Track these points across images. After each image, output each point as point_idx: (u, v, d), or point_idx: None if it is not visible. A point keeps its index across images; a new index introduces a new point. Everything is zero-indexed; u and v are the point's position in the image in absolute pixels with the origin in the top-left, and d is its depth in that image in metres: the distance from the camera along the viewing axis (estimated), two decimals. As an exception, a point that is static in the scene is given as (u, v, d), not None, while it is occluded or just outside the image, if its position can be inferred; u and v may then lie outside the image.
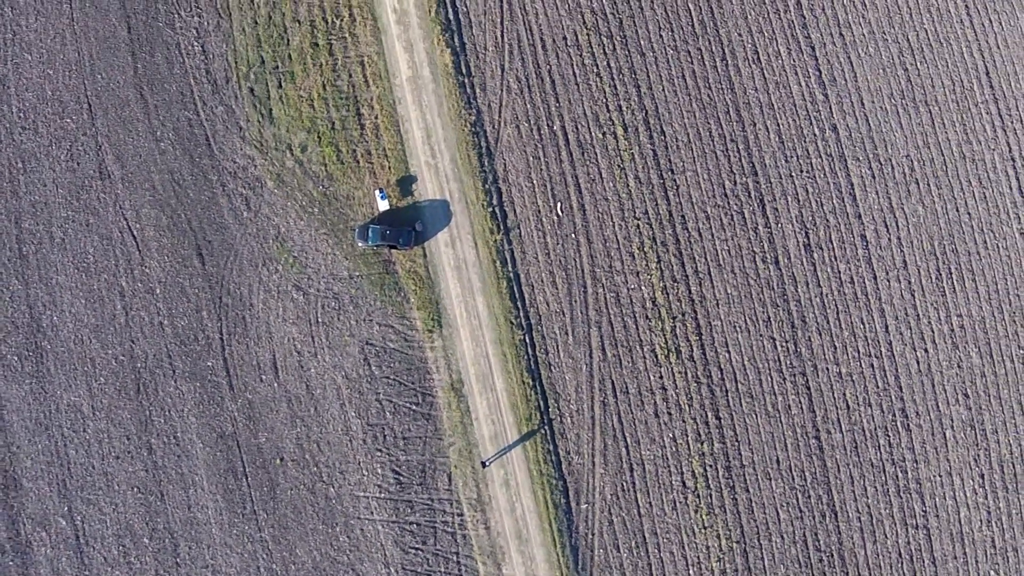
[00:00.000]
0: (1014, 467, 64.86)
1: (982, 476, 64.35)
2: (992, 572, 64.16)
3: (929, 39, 67.77)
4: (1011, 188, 67.22)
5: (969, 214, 66.06)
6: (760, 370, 61.38)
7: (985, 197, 66.62)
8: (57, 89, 63.33)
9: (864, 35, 66.51)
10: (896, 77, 66.37)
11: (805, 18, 65.76)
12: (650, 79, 62.76)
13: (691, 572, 59.92)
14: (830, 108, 64.76)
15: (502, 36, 62.61)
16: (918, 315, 64.03)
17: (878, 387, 62.74)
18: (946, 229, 65.25)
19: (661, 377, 60.43)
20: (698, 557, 59.99)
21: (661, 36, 63.61)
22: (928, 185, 65.48)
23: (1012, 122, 68.06)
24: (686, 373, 60.61)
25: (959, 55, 68.05)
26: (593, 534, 59.26)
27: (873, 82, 65.89)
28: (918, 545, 62.91)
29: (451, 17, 62.61)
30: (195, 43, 63.34)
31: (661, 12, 63.96)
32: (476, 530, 58.58)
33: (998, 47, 68.66)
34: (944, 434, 63.81)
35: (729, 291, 61.65)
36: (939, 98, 67.03)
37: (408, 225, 59.84)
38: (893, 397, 62.96)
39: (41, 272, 61.14)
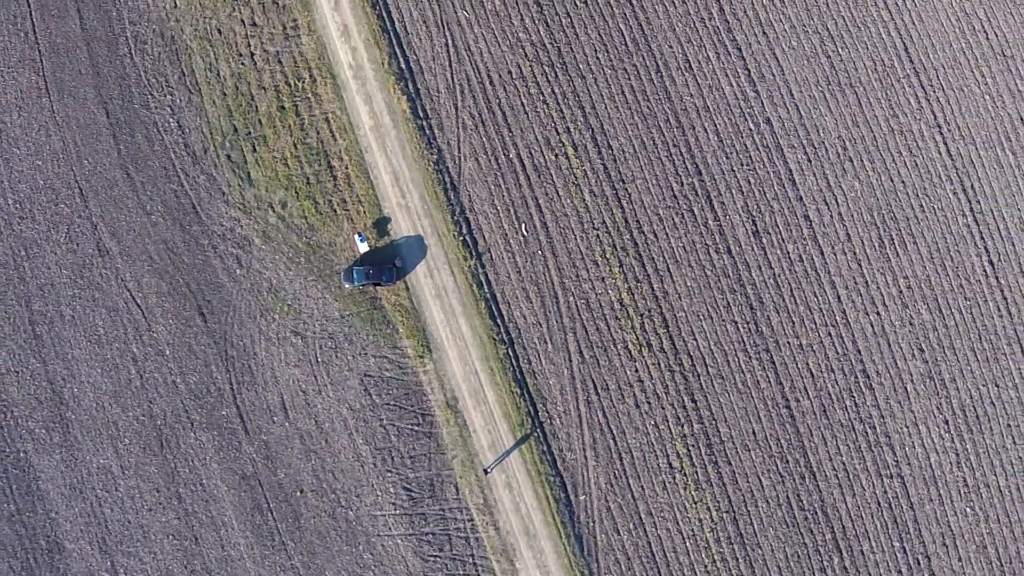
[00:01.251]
0: (975, 410, 74.39)
1: (946, 422, 73.87)
2: (968, 509, 73.62)
3: (847, 25, 77.45)
4: (940, 153, 76.92)
5: (903, 182, 75.71)
6: (726, 352, 70.88)
7: (917, 164, 76.30)
8: (48, 178, 72.56)
9: (786, 30, 76.18)
10: (820, 65, 76.04)
11: (729, 23, 75.39)
12: (592, 99, 72.34)
13: (687, 545, 69.31)
14: (761, 103, 74.40)
15: (452, 78, 72.13)
16: (867, 282, 73.62)
17: (838, 353, 72.29)
18: (883, 199, 74.90)
19: (637, 371, 69.89)
20: (692, 530, 69.38)
21: (598, 58, 73.17)
22: (862, 161, 75.13)
23: (934, 91, 77.75)
24: (659, 364, 70.10)
25: (877, 36, 77.75)
26: (593, 522, 68.57)
27: (799, 73, 75.54)
28: (894, 493, 72.31)
29: (403, 66, 72.11)
30: (170, 120, 72.68)
31: (595, 35, 73.55)
32: (487, 532, 67.86)
33: (914, 23, 78.35)
34: (905, 388, 73.32)
35: (689, 284, 71.19)
36: (863, 79, 76.73)
37: (388, 263, 69.23)
38: (853, 360, 72.49)
39: (56, 349, 70.25)
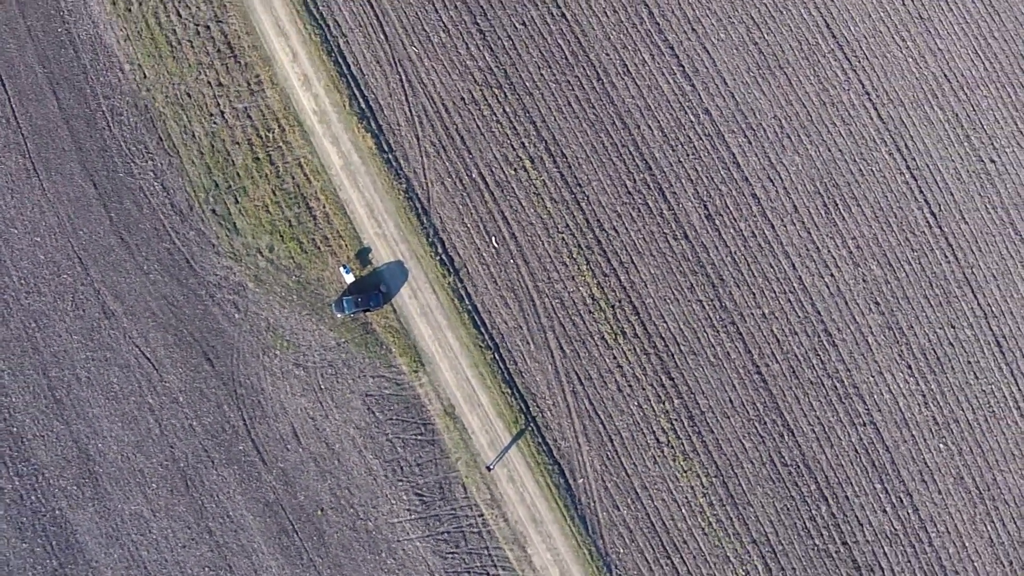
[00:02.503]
0: (935, 352, 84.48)
1: (909, 367, 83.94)
2: (941, 445, 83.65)
3: (770, 11, 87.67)
4: (872, 118, 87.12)
5: (840, 151, 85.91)
6: (695, 329, 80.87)
7: (851, 132, 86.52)
8: (47, 252, 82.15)
9: (713, 24, 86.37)
10: (749, 53, 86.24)
11: (659, 24, 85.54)
12: (542, 113, 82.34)
13: (683, 511, 79.17)
14: (699, 95, 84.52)
15: (410, 111, 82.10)
16: (817, 248, 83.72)
17: (799, 317, 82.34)
18: (824, 169, 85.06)
19: (615, 357, 79.82)
20: (686, 497, 79.24)
21: (542, 74, 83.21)
22: (799, 136, 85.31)
23: (859, 61, 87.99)
24: (635, 349, 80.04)
25: (799, 17, 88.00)
26: (594, 502, 78.40)
27: (730, 63, 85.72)
28: (869, 439, 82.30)
29: (363, 106, 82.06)
30: (155, 183, 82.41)
31: (536, 54, 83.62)
32: (497, 524, 77.61)
33: (833, 0, 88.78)
34: (866, 341, 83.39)
35: (652, 271, 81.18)
36: (790, 60, 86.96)
37: (374, 289, 79.01)
38: (814, 321, 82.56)
39: (77, 410, 79.78)
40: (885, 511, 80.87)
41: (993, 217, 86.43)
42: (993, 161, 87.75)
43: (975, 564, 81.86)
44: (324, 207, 79.95)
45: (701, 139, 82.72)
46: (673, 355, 79.46)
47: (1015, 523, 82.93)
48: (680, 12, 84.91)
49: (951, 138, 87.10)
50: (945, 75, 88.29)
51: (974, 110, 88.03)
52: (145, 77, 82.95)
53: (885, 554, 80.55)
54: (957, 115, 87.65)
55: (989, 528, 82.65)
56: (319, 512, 76.94)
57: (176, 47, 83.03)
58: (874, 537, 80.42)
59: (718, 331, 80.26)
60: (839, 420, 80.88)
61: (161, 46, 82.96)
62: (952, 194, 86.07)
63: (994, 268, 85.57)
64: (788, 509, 79.51)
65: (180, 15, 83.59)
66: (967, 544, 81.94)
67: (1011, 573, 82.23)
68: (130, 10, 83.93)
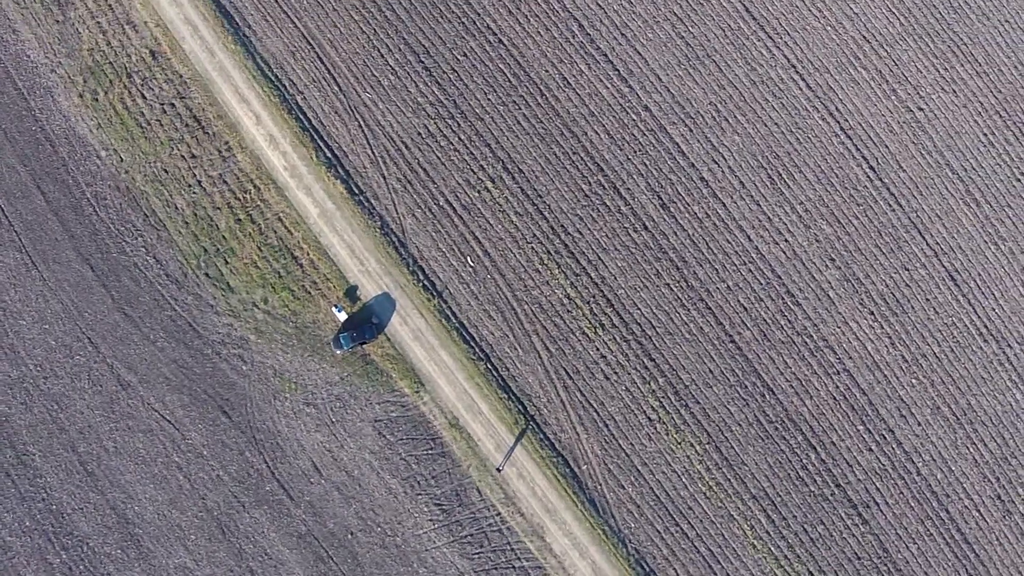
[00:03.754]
0: (893, 295, 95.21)
1: (872, 313, 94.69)
2: (913, 381, 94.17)
3: (691, 5, 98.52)
4: (801, 88, 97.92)
5: (776, 124, 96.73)
6: (667, 311, 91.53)
7: (784, 105, 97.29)
8: (58, 337, 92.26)
9: (640, 27, 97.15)
10: (677, 47, 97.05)
11: (590, 35, 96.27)
12: (494, 135, 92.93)
13: (684, 480, 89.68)
14: (636, 95, 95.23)
15: (373, 153, 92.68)
16: (769, 217, 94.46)
17: (761, 284, 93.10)
18: (763, 144, 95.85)
19: (597, 349, 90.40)
20: (683, 467, 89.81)
21: (488, 99, 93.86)
22: (735, 117, 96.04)
23: (781, 37, 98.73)
24: (614, 338, 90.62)
25: (719, 5, 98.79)
26: (600, 484, 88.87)
27: (662, 59, 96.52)
28: (845, 386, 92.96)
29: (329, 155, 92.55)
30: (148, 258, 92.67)
31: (480, 81, 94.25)
32: (514, 520, 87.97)
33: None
34: (828, 295, 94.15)
35: (619, 264, 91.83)
36: (717, 47, 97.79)
37: (367, 323, 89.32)
38: (776, 286, 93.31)
39: (110, 479, 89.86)
40: (871, 449, 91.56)
41: (929, 161, 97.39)
42: (921, 109, 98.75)
43: (963, 485, 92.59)
44: (308, 255, 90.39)
45: (645, 135, 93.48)
46: (651, 338, 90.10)
47: (995, 441, 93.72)
48: (608, 20, 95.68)
49: (878, 94, 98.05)
50: (864, 36, 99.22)
51: (896, 64, 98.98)
52: (122, 160, 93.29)
53: (877, 489, 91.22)
54: (880, 72, 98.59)
55: (971, 450, 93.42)
56: (349, 536, 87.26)
57: (146, 127, 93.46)
58: (864, 475, 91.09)
59: (688, 309, 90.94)
60: (814, 373, 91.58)
61: (132, 129, 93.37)
62: (887, 146, 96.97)
63: (937, 209, 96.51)
64: (780, 462, 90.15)
65: (145, 97, 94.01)
66: (953, 468, 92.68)
67: (999, 488, 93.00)
68: (97, 99, 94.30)
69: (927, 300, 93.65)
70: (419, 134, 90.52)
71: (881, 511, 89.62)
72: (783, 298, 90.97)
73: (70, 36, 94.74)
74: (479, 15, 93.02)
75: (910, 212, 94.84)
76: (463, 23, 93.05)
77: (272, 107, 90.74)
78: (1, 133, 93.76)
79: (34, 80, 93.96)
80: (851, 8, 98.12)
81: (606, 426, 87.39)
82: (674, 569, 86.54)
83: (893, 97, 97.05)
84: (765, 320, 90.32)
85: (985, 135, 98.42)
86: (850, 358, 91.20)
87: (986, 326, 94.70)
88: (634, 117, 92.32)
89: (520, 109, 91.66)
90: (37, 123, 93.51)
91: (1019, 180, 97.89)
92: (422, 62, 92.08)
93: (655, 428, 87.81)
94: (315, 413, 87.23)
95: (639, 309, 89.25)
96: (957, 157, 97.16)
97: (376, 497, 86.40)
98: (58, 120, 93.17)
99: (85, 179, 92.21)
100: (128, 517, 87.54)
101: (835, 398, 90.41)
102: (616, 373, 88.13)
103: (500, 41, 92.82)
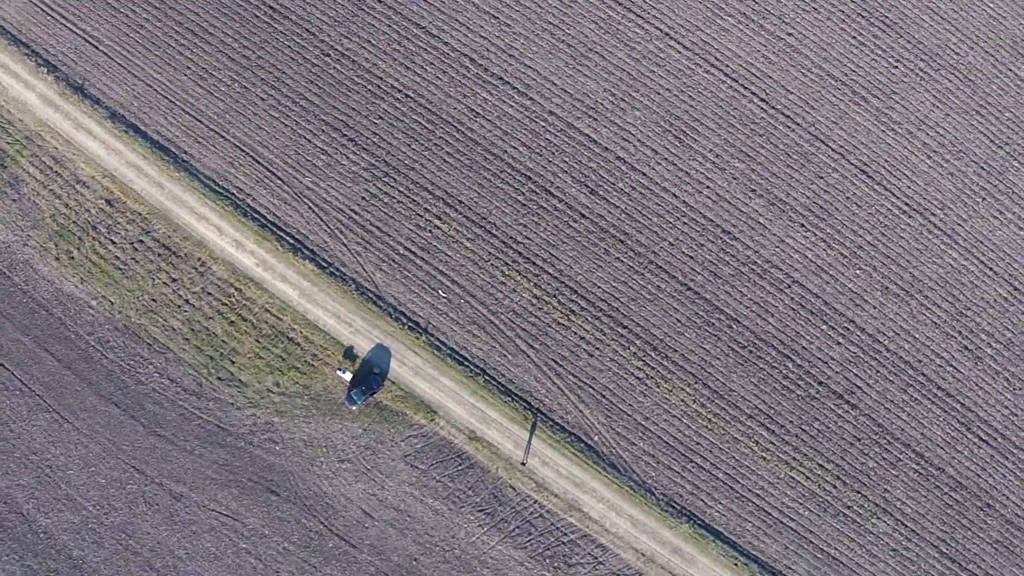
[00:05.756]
0: (817, 203, 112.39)
1: (802, 225, 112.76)
2: (857, 272, 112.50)
3: (563, 9, 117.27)
4: (679, 52, 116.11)
5: (667, 89, 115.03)
6: (625, 280, 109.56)
7: (668, 71, 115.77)
8: (105, 475, 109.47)
9: (523, 43, 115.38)
10: (563, 51, 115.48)
11: (483, 65, 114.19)
12: (427, 178, 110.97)
13: (685, 421, 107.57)
14: (540, 104, 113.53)
15: (329, 227, 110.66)
16: (686, 172, 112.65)
17: (698, 230, 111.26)
18: (661, 110, 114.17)
19: (575, 332, 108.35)
20: (681, 410, 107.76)
21: (412, 148, 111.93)
22: (630, 95, 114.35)
23: (649, 12, 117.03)
24: (587, 319, 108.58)
25: (587, 2, 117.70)
26: (614, 448, 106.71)
27: (551, 66, 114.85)
28: (799, 295, 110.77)
29: (292, 241, 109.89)
30: (162, 380, 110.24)
31: (400, 135, 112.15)
32: (550, 502, 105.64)
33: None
34: (759, 222, 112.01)
35: (571, 255, 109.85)
36: (596, 40, 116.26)
37: (371, 375, 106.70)
38: (712, 228, 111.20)
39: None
40: (839, 343, 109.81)
41: (811, 77, 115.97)
42: (790, 34, 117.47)
43: (930, 348, 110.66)
44: (301, 333, 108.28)
45: (557, 136, 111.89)
46: (617, 309, 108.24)
47: (947, 301, 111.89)
48: (494, 47, 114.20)
49: (748, 34, 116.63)
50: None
51: (756, 2, 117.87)
52: (112, 304, 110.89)
53: (856, 375, 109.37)
54: (744, 14, 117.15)
55: (928, 315, 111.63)
56: (414, 562, 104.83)
57: (124, 268, 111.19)
58: (840, 367, 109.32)
59: (642, 273, 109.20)
60: (768, 293, 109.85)
61: (112, 274, 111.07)
62: (770, 76, 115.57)
63: (831, 116, 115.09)
64: (763, 379, 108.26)
65: (114, 242, 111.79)
66: (916, 336, 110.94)
67: (963, 341, 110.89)
68: (72, 258, 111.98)
69: (847, 198, 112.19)
70: (363, 198, 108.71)
71: (865, 393, 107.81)
72: (721, 237, 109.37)
73: (30, 210, 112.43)
74: (381, 78, 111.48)
75: (808, 127, 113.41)
76: (369, 90, 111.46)
77: (228, 216, 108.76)
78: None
79: (11, 258, 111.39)
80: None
81: (603, 397, 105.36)
82: (701, 500, 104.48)
83: (762, 32, 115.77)
84: (711, 261, 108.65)
85: (854, 38, 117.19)
86: (796, 270, 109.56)
87: (906, 203, 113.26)
88: (543, 124, 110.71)
89: (443, 149, 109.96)
90: (26, 295, 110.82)
91: (896, 68, 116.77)
92: (345, 135, 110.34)
93: (646, 385, 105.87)
94: (351, 467, 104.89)
95: (600, 287, 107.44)
96: (835, 65, 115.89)
97: (426, 521, 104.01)
98: (44, 286, 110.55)
99: (85, 330, 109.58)
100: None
101: (793, 309, 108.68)
102: (597, 349, 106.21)
103: (406, 95, 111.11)
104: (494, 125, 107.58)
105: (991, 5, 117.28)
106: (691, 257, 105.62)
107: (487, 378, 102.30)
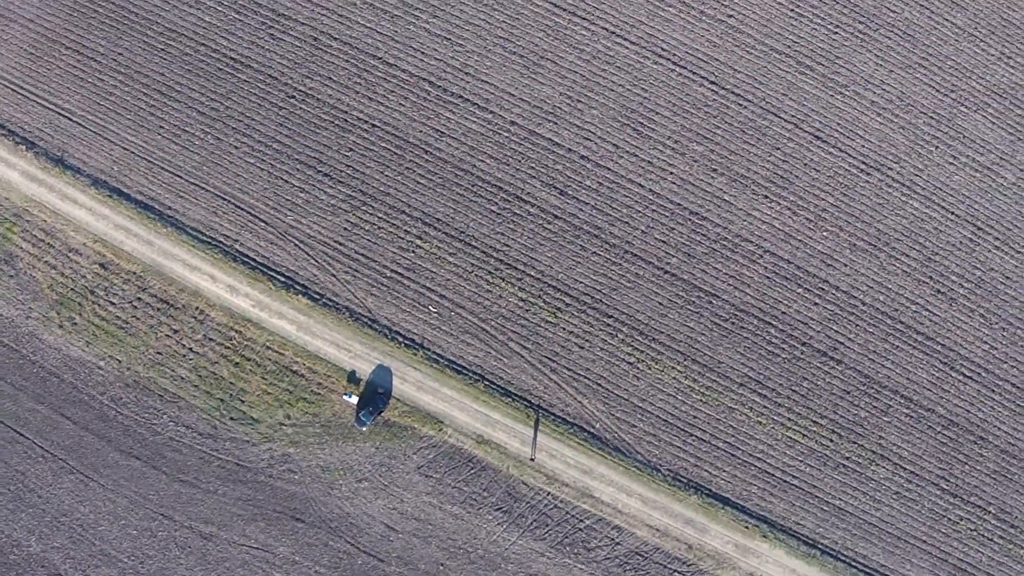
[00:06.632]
0: (776, 174, 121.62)
1: (766, 197, 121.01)
2: (824, 233, 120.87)
3: (510, 23, 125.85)
4: (627, 48, 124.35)
5: (619, 84, 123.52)
6: (604, 272, 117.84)
7: (619, 67, 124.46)
8: (136, 526, 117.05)
9: (478, 59, 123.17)
10: (515, 62, 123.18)
11: (441, 86, 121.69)
12: (404, 201, 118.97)
13: (679, 398, 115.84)
14: (500, 116, 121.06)
15: (316, 260, 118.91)
16: (649, 161, 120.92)
17: (668, 215, 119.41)
18: (616, 105, 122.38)
19: (564, 328, 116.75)
20: (675, 387, 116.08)
21: (385, 175, 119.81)
22: (585, 95, 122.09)
23: (593, 14, 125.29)
24: (573, 313, 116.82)
25: (533, 12, 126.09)
26: (615, 433, 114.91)
27: (506, 78, 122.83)
28: (771, 264, 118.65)
29: (283, 279, 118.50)
30: (178, 428, 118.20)
31: (372, 163, 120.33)
32: (562, 492, 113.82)
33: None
34: (724, 199, 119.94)
35: (549, 255, 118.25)
36: (546, 47, 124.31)
37: (376, 395, 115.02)
38: (679, 212, 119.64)
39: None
40: (816, 303, 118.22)
41: (755, 54, 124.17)
42: (731, 16, 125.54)
43: (905, 296, 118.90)
44: (304, 364, 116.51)
45: (521, 143, 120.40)
46: (600, 300, 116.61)
47: (914, 250, 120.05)
48: (450, 68, 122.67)
49: (691, 20, 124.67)
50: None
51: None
52: (120, 362, 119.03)
53: (837, 331, 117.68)
54: (685, 2, 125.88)
55: (898, 265, 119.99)
56: (441, 567, 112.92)
57: (126, 327, 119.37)
58: (821, 326, 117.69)
59: (619, 263, 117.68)
60: (742, 265, 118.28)
61: (115, 334, 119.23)
62: (716, 58, 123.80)
63: (779, 88, 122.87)
64: (749, 347, 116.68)
65: (113, 304, 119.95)
66: (890, 286, 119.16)
67: (935, 285, 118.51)
68: (75, 323, 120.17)
69: (805, 164, 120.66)
70: (345, 229, 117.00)
71: (848, 347, 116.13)
72: (689, 219, 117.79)
73: (28, 283, 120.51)
74: (346, 112, 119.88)
75: (759, 102, 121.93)
76: (337, 124, 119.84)
77: (219, 263, 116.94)
78: (10, 387, 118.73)
79: (16, 332, 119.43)
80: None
81: (599, 385, 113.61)
82: (706, 471, 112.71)
83: (703, 17, 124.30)
84: (683, 243, 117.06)
85: (792, 10, 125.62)
86: (765, 240, 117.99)
87: (863, 162, 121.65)
88: (506, 135, 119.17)
89: (414, 171, 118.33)
90: (35, 364, 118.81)
91: (836, 33, 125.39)
92: (320, 171, 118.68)
93: (638, 368, 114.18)
94: (369, 485, 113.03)
95: (581, 282, 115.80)
96: (776, 39, 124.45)
97: (447, 527, 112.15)
98: (52, 354, 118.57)
99: (97, 391, 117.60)
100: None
101: (768, 277, 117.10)
102: (587, 340, 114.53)
103: (373, 125, 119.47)
104: (460, 142, 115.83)
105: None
106: (664, 241, 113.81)
107: (486, 383, 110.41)
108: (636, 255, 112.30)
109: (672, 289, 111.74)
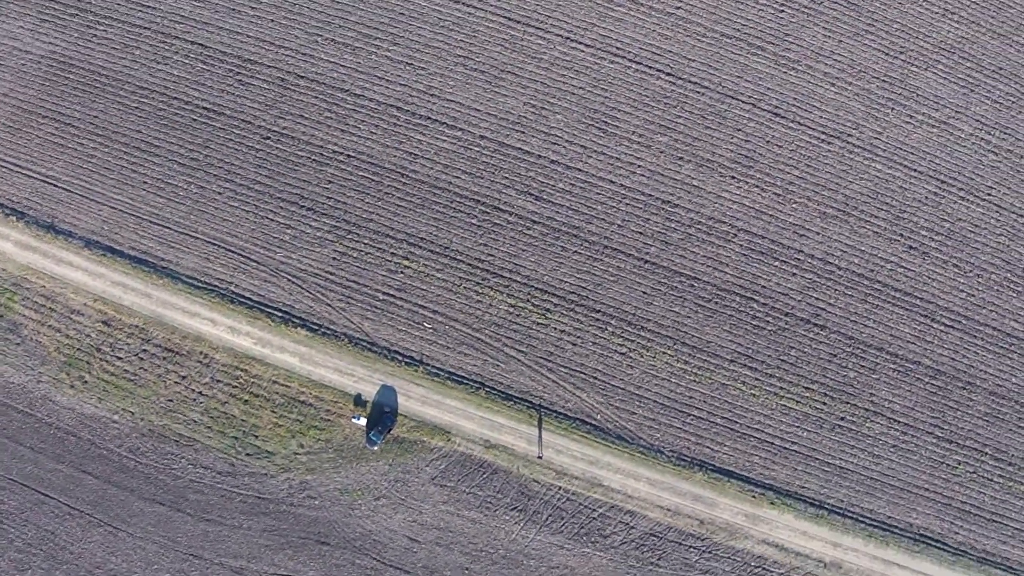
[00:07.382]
0: (741, 154, 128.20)
1: (733, 177, 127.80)
2: (793, 206, 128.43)
3: (469, 41, 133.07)
4: (582, 51, 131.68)
5: (581, 87, 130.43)
6: (587, 269, 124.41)
7: (577, 72, 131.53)
8: (168, 568, 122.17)
9: (442, 80, 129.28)
10: (477, 79, 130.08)
11: (410, 111, 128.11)
12: (387, 224, 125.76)
13: (673, 381, 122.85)
14: (470, 132, 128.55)
15: (310, 292, 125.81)
16: (618, 157, 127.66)
17: (642, 208, 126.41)
18: (579, 107, 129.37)
19: (555, 328, 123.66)
20: (668, 371, 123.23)
21: (366, 202, 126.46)
22: (549, 103, 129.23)
23: (545, 23, 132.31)
24: (562, 313, 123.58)
25: (488, 28, 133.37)
26: (616, 421, 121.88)
27: (471, 95, 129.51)
28: (747, 242, 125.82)
29: (280, 314, 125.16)
30: (197, 469, 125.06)
31: (352, 192, 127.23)
32: (573, 485, 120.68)
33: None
34: (694, 186, 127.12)
35: (532, 259, 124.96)
36: (505, 61, 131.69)
37: (383, 414, 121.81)
38: (652, 202, 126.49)
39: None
40: (793, 275, 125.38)
41: (707, 42, 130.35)
42: (679, 7, 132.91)
43: (878, 256, 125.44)
44: (311, 394, 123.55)
45: (492, 156, 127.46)
46: (587, 296, 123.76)
47: (882, 210, 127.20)
48: (416, 90, 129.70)
49: (641, 17, 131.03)
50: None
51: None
52: (133, 414, 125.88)
53: (817, 299, 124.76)
54: (638, 5, 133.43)
55: (869, 228, 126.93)
56: (466, 571, 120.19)
57: (135, 379, 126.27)
58: (801, 295, 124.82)
59: (600, 259, 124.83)
60: (719, 246, 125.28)
61: (125, 387, 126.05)
62: (670, 50, 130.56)
63: (733, 73, 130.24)
64: (734, 325, 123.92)
65: (120, 358, 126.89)
66: (863, 249, 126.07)
67: (907, 242, 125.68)
68: (85, 382, 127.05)
69: (767, 142, 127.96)
70: (334, 259, 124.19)
71: (829, 312, 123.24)
72: (662, 208, 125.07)
73: (35, 349, 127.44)
74: (321, 147, 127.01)
75: (716, 88, 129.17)
76: (313, 159, 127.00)
77: (217, 307, 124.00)
78: (30, 451, 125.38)
79: (28, 397, 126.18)
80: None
81: (595, 378, 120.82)
82: (707, 447, 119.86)
83: (652, 12, 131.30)
84: (659, 231, 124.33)
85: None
86: (737, 219, 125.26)
87: (823, 132, 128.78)
88: (477, 149, 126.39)
89: (393, 195, 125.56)
90: (51, 426, 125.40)
91: (782, 11, 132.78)
92: (303, 206, 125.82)
93: (630, 357, 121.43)
94: (387, 502, 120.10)
95: (566, 282, 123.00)
96: (726, 24, 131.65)
97: (467, 532, 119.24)
98: (66, 414, 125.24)
99: (114, 443, 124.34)
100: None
101: (744, 254, 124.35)
102: (579, 337, 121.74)
103: (348, 155, 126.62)
104: (434, 161, 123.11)
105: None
106: (641, 233, 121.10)
107: (487, 389, 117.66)
108: (616, 249, 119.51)
109: (654, 277, 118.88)
